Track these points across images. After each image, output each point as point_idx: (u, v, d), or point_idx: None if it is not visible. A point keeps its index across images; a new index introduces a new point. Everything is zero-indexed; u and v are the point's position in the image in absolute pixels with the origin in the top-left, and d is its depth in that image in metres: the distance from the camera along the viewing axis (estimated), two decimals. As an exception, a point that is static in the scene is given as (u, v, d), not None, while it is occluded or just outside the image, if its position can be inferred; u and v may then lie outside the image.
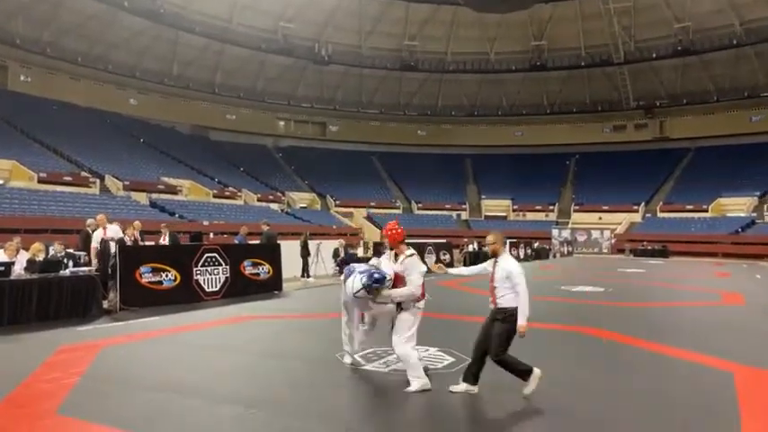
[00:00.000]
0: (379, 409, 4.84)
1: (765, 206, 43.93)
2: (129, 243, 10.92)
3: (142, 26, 42.90)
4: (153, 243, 13.10)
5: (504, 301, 5.11)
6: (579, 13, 49.89)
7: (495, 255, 5.31)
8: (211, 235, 27.91)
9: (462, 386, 5.19)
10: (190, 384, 5.49)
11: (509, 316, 5.04)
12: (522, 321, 4.98)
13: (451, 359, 6.61)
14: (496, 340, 5.07)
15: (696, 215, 45.77)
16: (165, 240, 12.30)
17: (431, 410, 4.91)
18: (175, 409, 4.75)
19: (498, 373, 5.15)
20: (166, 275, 10.54)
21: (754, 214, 43.87)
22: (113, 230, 11.19)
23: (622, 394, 5.43)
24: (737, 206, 45.21)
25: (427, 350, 6.87)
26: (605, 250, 44.36)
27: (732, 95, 50.66)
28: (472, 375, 5.21)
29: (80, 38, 42.47)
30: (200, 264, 11.22)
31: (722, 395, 5.32)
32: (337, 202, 50.76)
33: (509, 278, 5.08)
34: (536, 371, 5.06)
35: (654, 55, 49.90)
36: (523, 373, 5.09)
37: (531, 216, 52.57)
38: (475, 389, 5.19)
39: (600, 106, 56.55)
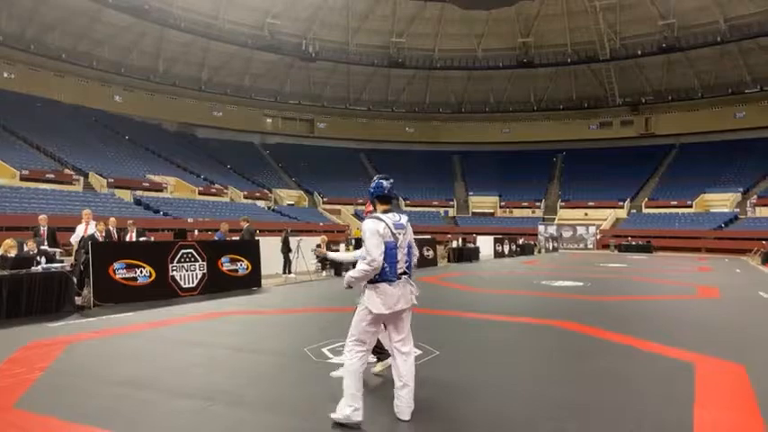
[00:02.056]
0: (337, 404, 4.85)
1: (748, 202, 44.44)
2: (100, 239, 10.85)
3: (127, 22, 42.64)
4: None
5: None
6: (565, 11, 50.16)
7: None
8: (196, 232, 27.81)
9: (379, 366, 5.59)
10: (153, 378, 5.48)
11: None
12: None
13: (419, 352, 6.65)
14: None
15: (680, 211, 46.24)
16: (132, 237, 12.22)
17: (390, 403, 4.93)
18: (133, 402, 4.75)
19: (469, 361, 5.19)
20: (141, 272, 10.50)
21: (737, 210, 44.38)
22: (91, 228, 11.17)
23: (582, 384, 5.50)
24: (721, 202, 45.71)
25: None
26: (590, 246, 44.68)
27: (716, 92, 51.22)
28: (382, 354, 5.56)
29: (64, 34, 42.15)
30: (176, 260, 11.18)
31: (680, 384, 5.41)
32: (325, 200, 50.77)
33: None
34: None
35: (639, 52, 50.32)
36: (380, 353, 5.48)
37: (518, 212, 52.86)
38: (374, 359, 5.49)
39: (586, 103, 56.93)
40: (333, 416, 4.18)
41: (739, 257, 32.60)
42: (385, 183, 4.39)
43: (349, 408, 4.11)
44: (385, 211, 4.33)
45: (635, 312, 10.60)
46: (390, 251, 4.20)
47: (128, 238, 12.10)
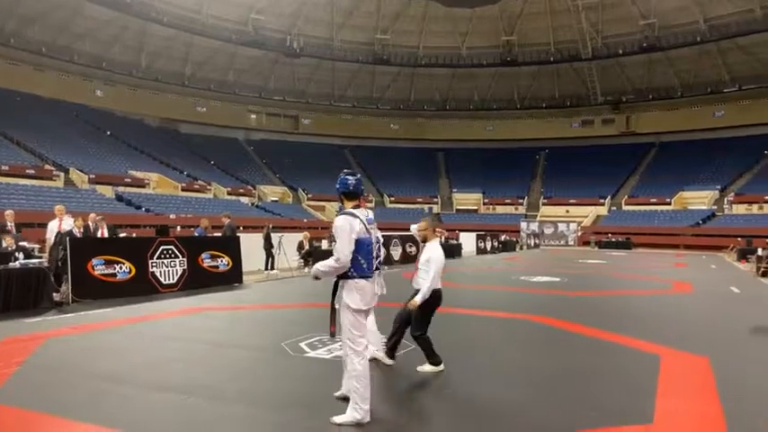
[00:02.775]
0: (314, 396, 4.96)
1: (725, 199, 45.23)
2: (78, 235, 10.82)
3: (109, 16, 42.18)
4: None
5: (419, 283, 5.54)
6: (548, 9, 50.54)
7: (424, 240, 5.70)
8: (178, 228, 27.67)
9: (382, 356, 5.78)
10: (131, 373, 5.54)
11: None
12: (417, 300, 5.42)
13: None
14: (414, 323, 5.58)
15: (659, 208, 46.93)
16: (104, 233, 12.15)
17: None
18: (113, 396, 4.81)
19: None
20: (120, 267, 10.50)
21: (715, 207, 45.16)
22: (67, 223, 11.11)
23: (552, 375, 5.67)
24: (699, 199, 46.48)
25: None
26: (572, 242, 45.19)
27: (696, 91, 51.97)
28: (390, 349, 5.76)
29: (45, 28, 41.57)
30: (155, 256, 11.19)
31: (645, 376, 5.60)
32: (309, 196, 50.73)
33: (428, 262, 5.48)
34: (440, 367, 5.62)
35: (620, 51, 50.86)
36: (431, 357, 5.63)
37: (501, 209, 53.26)
38: (391, 362, 5.74)
39: (568, 101, 57.47)
40: (338, 420, 4.13)
41: (716, 254, 33.23)
42: (350, 179, 4.39)
43: (361, 411, 4.12)
44: (354, 207, 4.34)
45: (609, 307, 10.84)
46: (367, 247, 4.24)
47: (99, 235, 11.97)
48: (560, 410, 4.60)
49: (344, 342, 4.28)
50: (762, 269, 18.40)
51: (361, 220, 4.24)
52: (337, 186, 4.40)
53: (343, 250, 4.11)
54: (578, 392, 5.10)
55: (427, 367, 5.62)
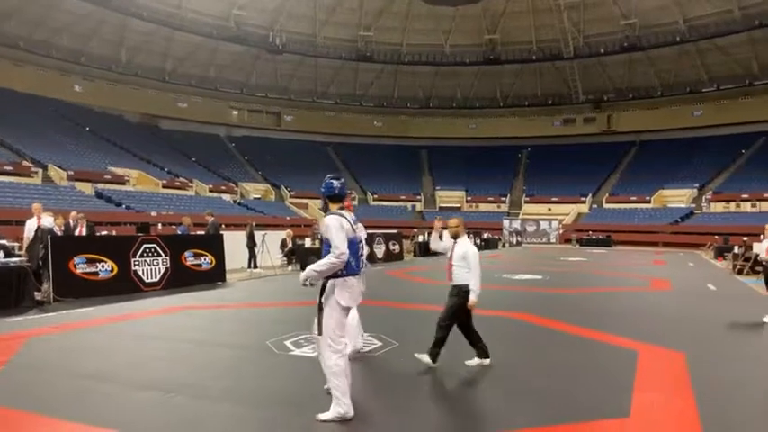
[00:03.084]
0: (299, 394, 5.01)
1: (704, 197, 45.99)
2: (59, 233, 10.72)
3: (87, 10, 41.51)
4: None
5: (458, 278, 5.78)
6: (531, 8, 50.86)
7: (455, 237, 5.96)
8: (159, 226, 27.43)
9: (475, 360, 5.92)
10: (114, 372, 5.54)
11: (462, 292, 5.71)
12: (473, 297, 5.69)
13: (379, 343, 6.86)
14: (445, 311, 5.77)
15: (639, 206, 47.59)
16: (82, 231, 12.04)
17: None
18: (95, 395, 4.82)
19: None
20: (102, 266, 10.43)
21: (693, 205, 45.90)
22: (47, 221, 10.97)
23: (531, 371, 5.78)
24: (678, 197, 47.22)
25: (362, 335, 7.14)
26: (553, 240, 45.64)
27: (675, 90, 52.73)
28: (480, 349, 5.93)
29: (21, 22, 40.83)
30: (138, 254, 11.13)
31: (623, 371, 5.74)
32: (292, 193, 50.53)
33: (465, 258, 5.74)
34: (487, 361, 5.86)
35: (602, 50, 51.37)
36: (437, 347, 5.75)
37: (483, 207, 53.56)
38: (486, 361, 5.92)
39: (551, 100, 57.93)
40: (323, 417, 4.23)
41: (693, 251, 33.82)
42: (335, 182, 4.54)
43: (344, 406, 4.23)
44: (339, 209, 4.47)
45: (589, 304, 11.02)
46: (355, 246, 4.40)
47: (77, 233, 11.84)
48: (538, 405, 4.70)
49: (323, 340, 4.33)
50: (737, 267, 18.80)
51: (347, 219, 4.38)
52: (322, 190, 4.52)
53: (341, 246, 4.20)
54: (556, 388, 5.22)
55: (425, 358, 5.77)
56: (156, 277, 11.49)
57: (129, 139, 44.73)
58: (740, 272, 18.28)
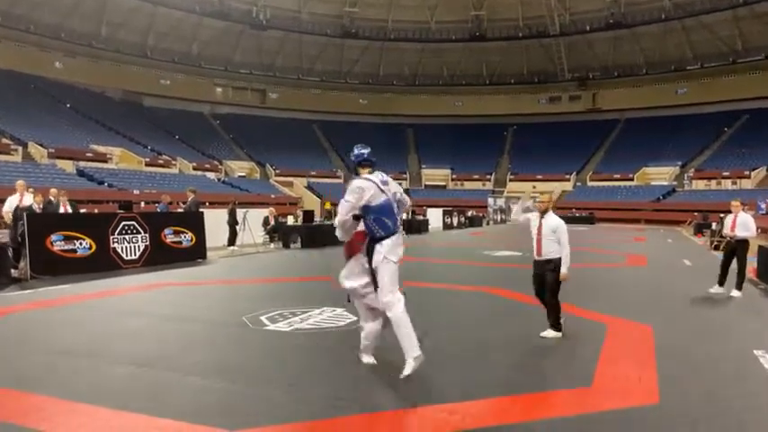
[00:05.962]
0: (269, 368, 5.08)
1: (686, 175, 46.48)
2: (38, 211, 10.64)
3: (65, -16, 40.55)
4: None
5: (549, 252, 6.08)
6: (517, -16, 50.45)
7: (544, 212, 6.15)
8: (142, 204, 27.24)
9: (550, 332, 6.12)
10: (87, 347, 5.58)
11: (557, 266, 6.03)
12: (564, 270, 6.03)
13: (354, 318, 6.94)
14: (554, 287, 6.09)
15: (623, 184, 48.00)
16: (67, 209, 11.94)
17: (315, 367, 5.18)
18: (66, 369, 4.86)
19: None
20: (81, 243, 10.39)
21: (675, 183, 46.38)
22: (27, 199, 10.89)
23: (502, 345, 5.91)
24: (660, 175, 47.67)
25: (334, 310, 7.24)
26: (537, 218, 45.86)
27: (660, 68, 52.87)
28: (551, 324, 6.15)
29: (-2, -4, 39.83)
30: (117, 231, 11.09)
31: (590, 344, 5.88)
32: (277, 172, 50.27)
33: (555, 232, 5.99)
34: (560, 333, 6.09)
35: (588, 27, 51.25)
36: (556, 324, 6.10)
37: (469, 185, 53.73)
38: (559, 334, 6.10)
39: (536, 78, 57.85)
40: (407, 372, 4.43)
41: (674, 229, 34.27)
42: (365, 151, 4.81)
43: (416, 349, 4.46)
44: (369, 173, 4.70)
45: (565, 280, 11.17)
46: (388, 206, 4.62)
47: (61, 211, 11.75)
48: (502, 376, 4.83)
49: (385, 296, 4.55)
50: (714, 243, 19.12)
51: (375, 182, 4.60)
52: (353, 158, 4.82)
53: (341, 210, 4.60)
54: (524, 360, 5.36)
55: (551, 333, 6.07)
56: (135, 255, 11.47)
57: (112, 117, 44.10)
58: (716, 248, 18.58)
